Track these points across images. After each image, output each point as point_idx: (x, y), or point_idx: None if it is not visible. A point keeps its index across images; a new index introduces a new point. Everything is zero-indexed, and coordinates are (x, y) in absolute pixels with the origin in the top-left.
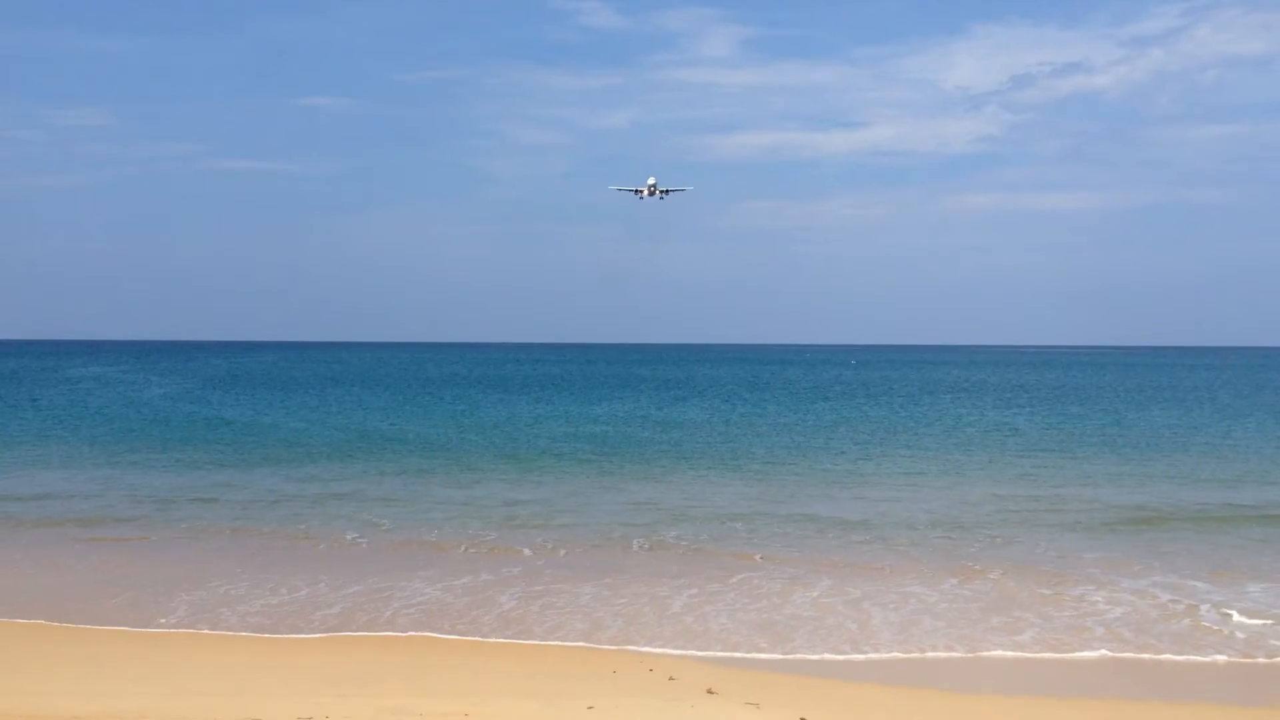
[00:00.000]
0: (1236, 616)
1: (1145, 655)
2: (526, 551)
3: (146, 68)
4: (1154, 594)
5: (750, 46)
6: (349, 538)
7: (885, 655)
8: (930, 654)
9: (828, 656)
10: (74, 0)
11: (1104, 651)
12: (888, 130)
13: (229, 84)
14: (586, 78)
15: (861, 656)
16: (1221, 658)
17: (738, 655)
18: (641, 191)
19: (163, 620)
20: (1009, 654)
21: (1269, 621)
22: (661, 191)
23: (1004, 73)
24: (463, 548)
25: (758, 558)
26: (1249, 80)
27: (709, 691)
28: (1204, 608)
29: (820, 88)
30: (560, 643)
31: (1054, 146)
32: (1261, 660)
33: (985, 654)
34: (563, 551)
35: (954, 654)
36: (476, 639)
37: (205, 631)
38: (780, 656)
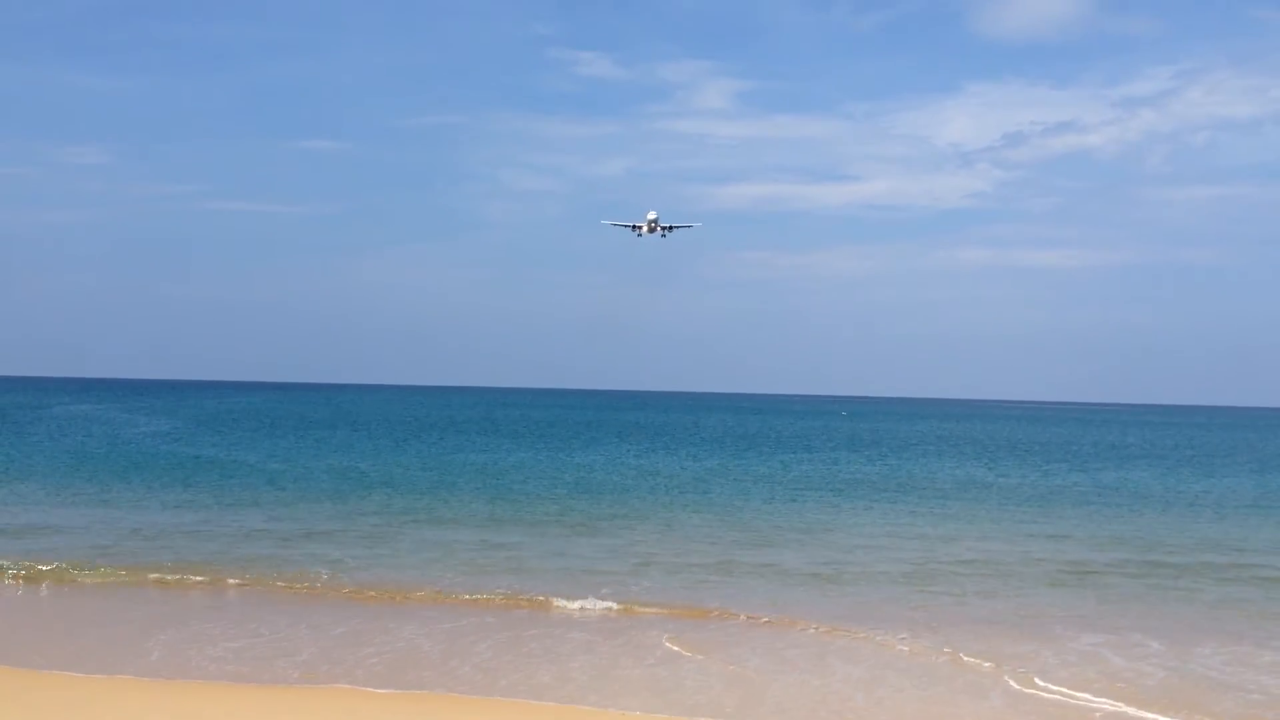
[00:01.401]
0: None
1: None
2: (501, 597)
3: (145, 107)
4: (1104, 655)
5: (746, 99)
6: (325, 577)
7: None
8: (891, 711)
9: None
10: (75, 39)
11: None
12: (881, 184)
13: (227, 125)
14: (583, 126)
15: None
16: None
17: (702, 718)
18: (640, 228)
19: (130, 668)
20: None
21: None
22: (664, 228)
23: (996, 130)
24: (439, 593)
25: (728, 612)
26: (1239, 143)
27: None
28: (1148, 665)
29: (815, 141)
30: (530, 700)
31: (1045, 204)
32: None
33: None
34: (539, 599)
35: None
36: (455, 695)
37: (178, 680)
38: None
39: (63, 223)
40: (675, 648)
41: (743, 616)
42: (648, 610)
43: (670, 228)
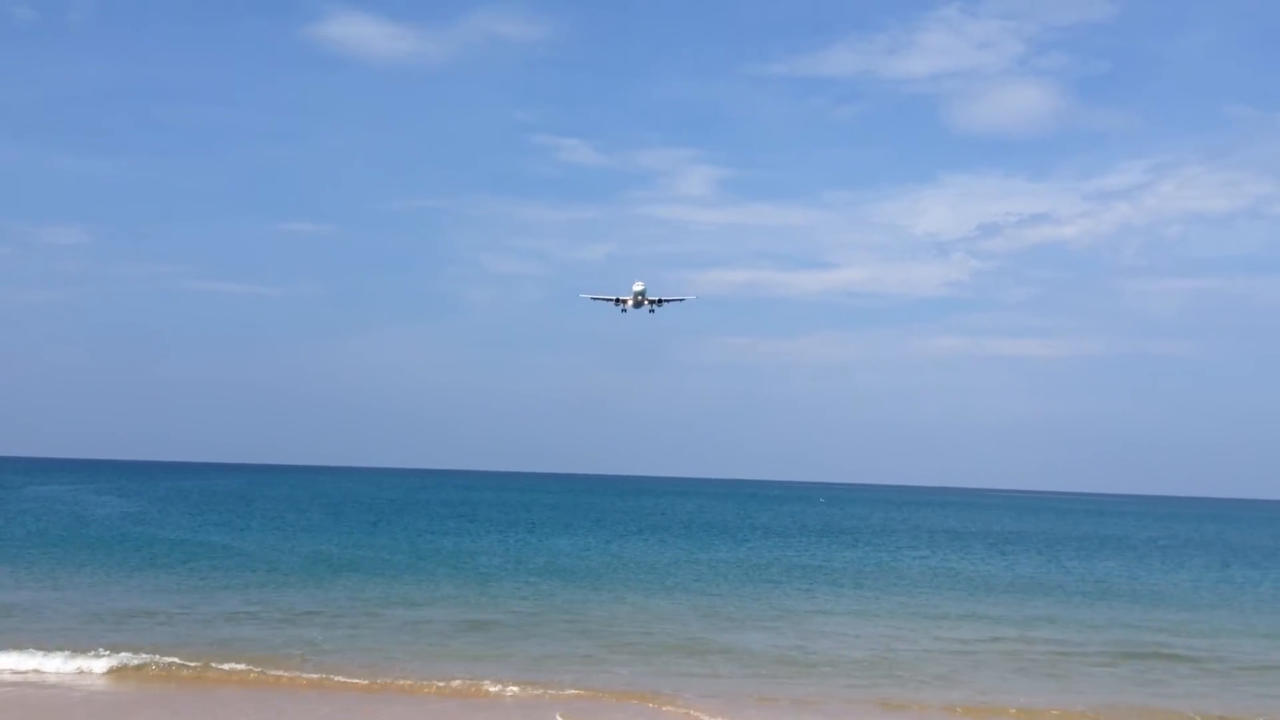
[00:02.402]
0: None
1: None
2: (478, 683)
3: (128, 189)
4: None
5: (726, 187)
6: (298, 661)
7: None
8: None
9: None
10: (58, 121)
11: None
12: (859, 272)
13: (210, 207)
14: (565, 211)
15: None
16: None
17: None
18: (625, 301)
19: None
20: None
21: None
22: (652, 302)
23: (973, 221)
24: (410, 683)
25: (691, 696)
26: (1212, 236)
27: None
28: None
29: (794, 228)
30: None
31: (1021, 294)
32: None
33: None
34: (511, 688)
35: None
36: None
37: None
38: None
39: (41, 302)
40: None
41: (709, 701)
42: (621, 696)
43: (659, 301)
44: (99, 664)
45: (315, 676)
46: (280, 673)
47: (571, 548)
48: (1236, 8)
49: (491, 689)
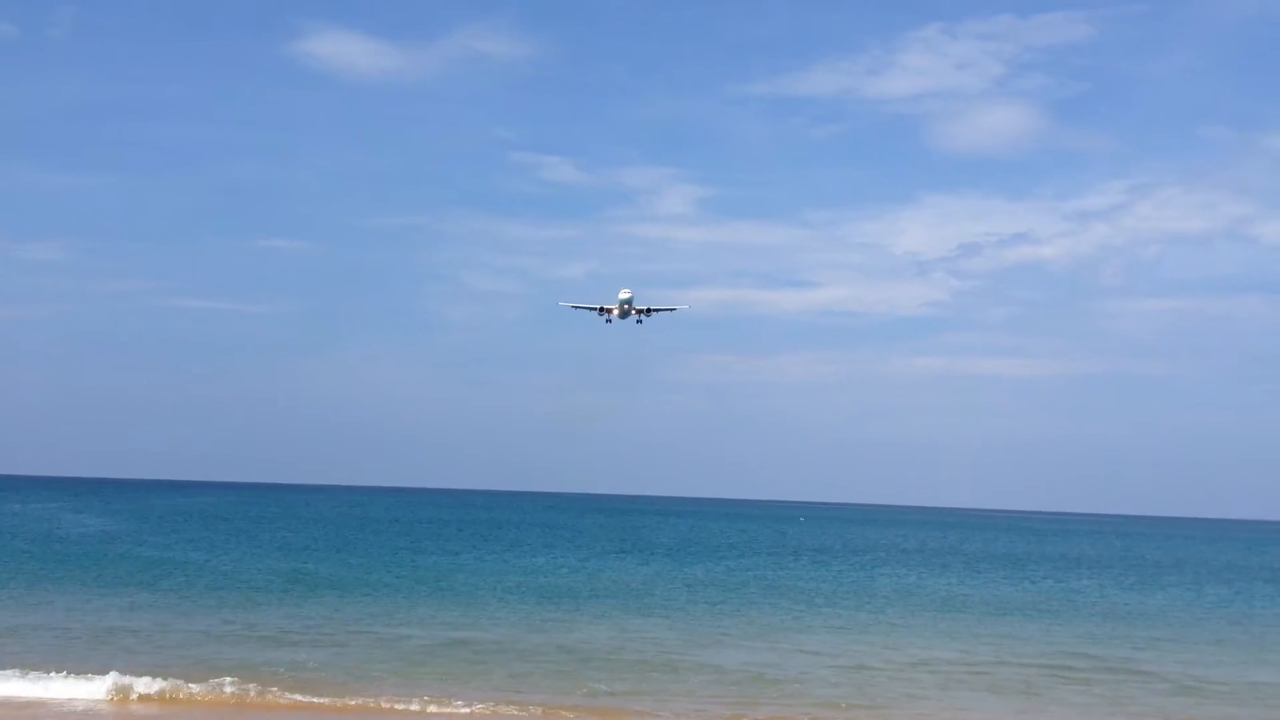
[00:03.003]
0: None
1: None
2: (448, 702)
3: (106, 205)
4: None
5: (706, 205)
6: (281, 680)
7: None
8: None
9: None
10: (34, 137)
11: None
12: (839, 291)
13: (188, 223)
14: (545, 229)
15: None
16: None
17: None
18: (609, 311)
19: None
20: None
21: None
22: (639, 311)
23: (952, 240)
24: (390, 700)
25: (666, 715)
26: (1190, 257)
27: None
28: None
29: (774, 247)
30: None
31: (1000, 314)
32: None
33: None
34: (484, 707)
35: None
36: None
37: None
38: None
39: (17, 318)
40: None
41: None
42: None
43: (648, 311)
44: (81, 686)
45: (298, 698)
46: (262, 692)
47: (550, 566)
48: (1213, 30)
49: (463, 710)
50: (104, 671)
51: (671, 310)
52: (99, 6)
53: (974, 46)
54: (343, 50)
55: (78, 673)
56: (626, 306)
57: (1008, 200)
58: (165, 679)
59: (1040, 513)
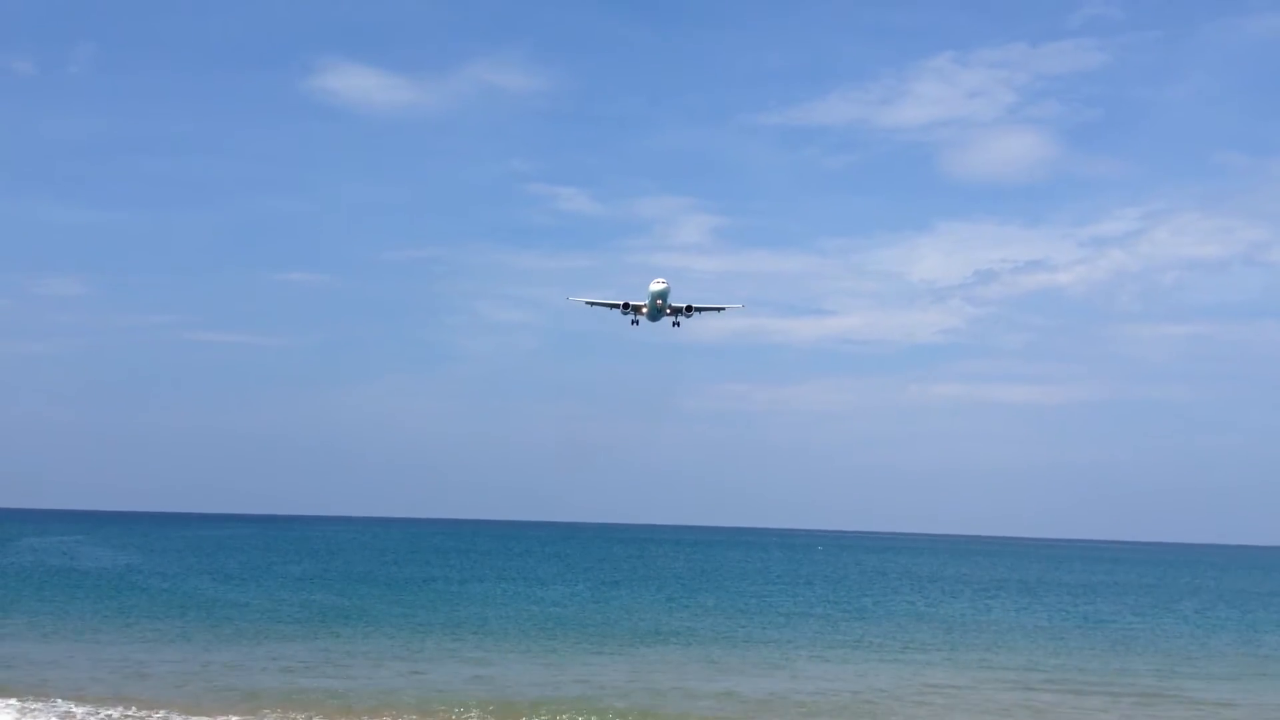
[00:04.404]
0: None
1: None
2: None
3: (125, 240)
4: None
5: (722, 234)
6: (312, 709)
7: None
8: None
9: None
10: (54, 172)
11: None
12: (856, 319)
13: (207, 257)
14: (561, 259)
15: None
16: None
17: None
18: (639, 309)
19: None
20: None
21: None
22: (675, 310)
23: (968, 267)
24: None
25: None
26: (1207, 282)
27: None
28: None
29: (790, 275)
30: None
31: (1017, 340)
32: None
33: None
34: None
35: None
36: None
37: None
38: None
39: (38, 354)
40: None
41: None
42: None
43: (688, 309)
44: (107, 714)
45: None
46: None
47: (569, 596)
48: (1225, 56)
49: None
50: (128, 702)
51: (719, 310)
52: (118, 43)
53: (986, 75)
54: (359, 85)
55: (99, 701)
56: (660, 303)
57: (1023, 227)
58: (184, 710)
59: (1059, 540)
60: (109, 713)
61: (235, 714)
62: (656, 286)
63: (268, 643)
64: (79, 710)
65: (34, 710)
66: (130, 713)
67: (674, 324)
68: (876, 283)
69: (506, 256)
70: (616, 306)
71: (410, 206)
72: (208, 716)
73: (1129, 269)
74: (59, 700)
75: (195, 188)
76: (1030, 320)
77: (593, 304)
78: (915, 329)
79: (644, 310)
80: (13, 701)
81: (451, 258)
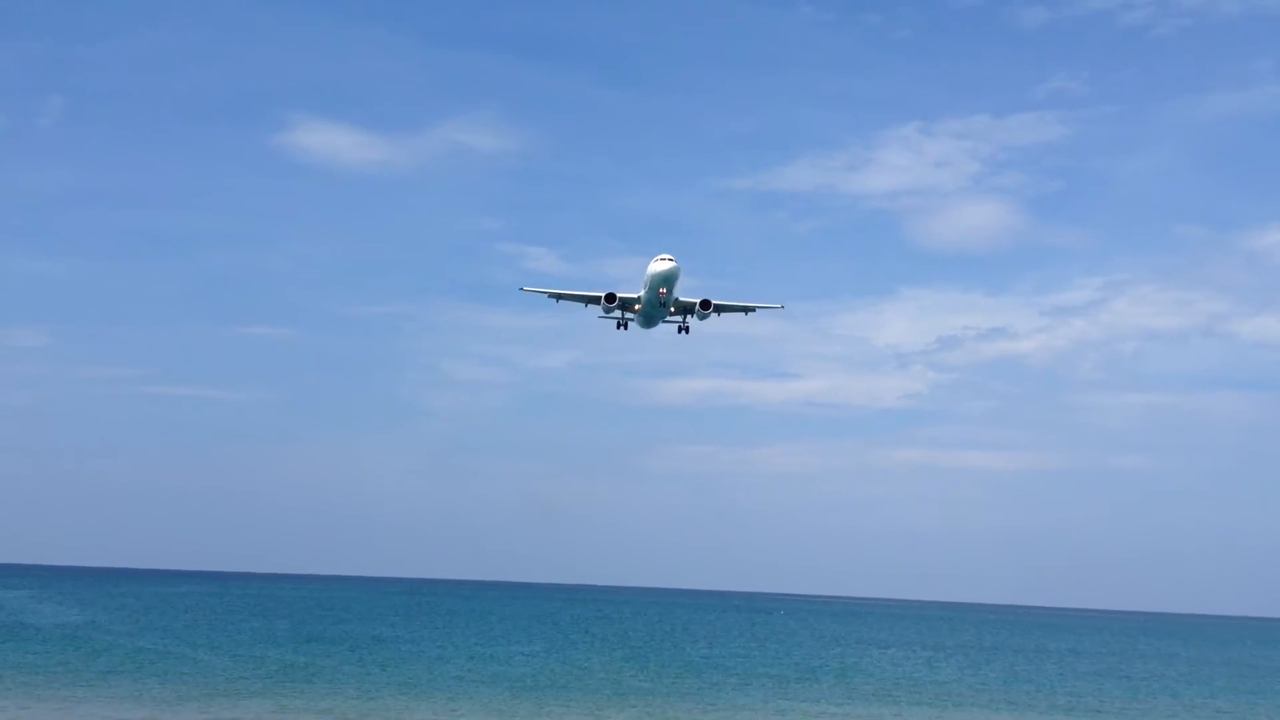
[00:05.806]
0: None
1: None
2: None
3: (87, 291)
4: None
5: (690, 296)
6: None
7: None
8: None
9: None
10: (16, 222)
11: None
12: (820, 383)
13: (169, 310)
14: (528, 318)
15: None
16: None
17: None
18: (631, 304)
19: None
20: None
21: None
22: (685, 309)
23: (932, 333)
24: None
25: None
26: (1167, 352)
27: None
28: None
29: (756, 338)
30: None
31: (979, 406)
32: None
33: None
34: None
35: None
36: None
37: None
38: None
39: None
40: None
41: None
42: None
43: (706, 305)
44: None
45: None
46: None
47: (525, 656)
48: (1186, 131)
49: None
50: None
51: (748, 311)
52: (87, 97)
53: (951, 145)
54: (329, 142)
55: None
56: (664, 291)
57: (986, 294)
58: None
59: (1018, 606)
60: None
61: None
62: (660, 266)
63: (221, 701)
64: None
65: None
66: None
67: (680, 329)
68: (841, 347)
69: (474, 314)
70: (594, 300)
71: (377, 263)
72: None
73: (1090, 338)
74: None
75: (159, 241)
76: (992, 387)
77: (559, 296)
78: (879, 393)
79: (638, 306)
80: None
81: (419, 314)
